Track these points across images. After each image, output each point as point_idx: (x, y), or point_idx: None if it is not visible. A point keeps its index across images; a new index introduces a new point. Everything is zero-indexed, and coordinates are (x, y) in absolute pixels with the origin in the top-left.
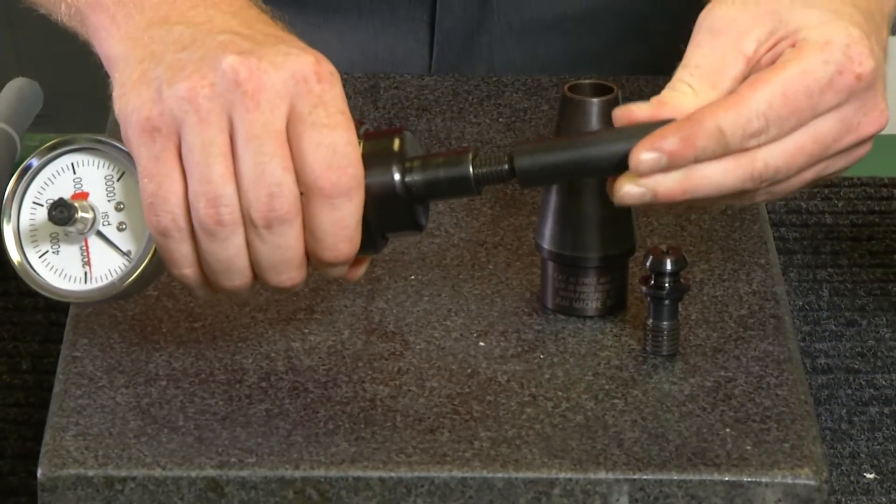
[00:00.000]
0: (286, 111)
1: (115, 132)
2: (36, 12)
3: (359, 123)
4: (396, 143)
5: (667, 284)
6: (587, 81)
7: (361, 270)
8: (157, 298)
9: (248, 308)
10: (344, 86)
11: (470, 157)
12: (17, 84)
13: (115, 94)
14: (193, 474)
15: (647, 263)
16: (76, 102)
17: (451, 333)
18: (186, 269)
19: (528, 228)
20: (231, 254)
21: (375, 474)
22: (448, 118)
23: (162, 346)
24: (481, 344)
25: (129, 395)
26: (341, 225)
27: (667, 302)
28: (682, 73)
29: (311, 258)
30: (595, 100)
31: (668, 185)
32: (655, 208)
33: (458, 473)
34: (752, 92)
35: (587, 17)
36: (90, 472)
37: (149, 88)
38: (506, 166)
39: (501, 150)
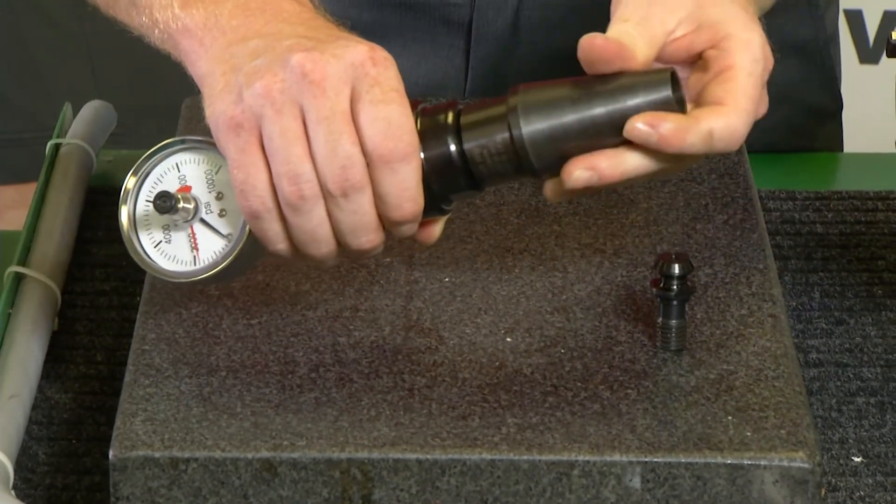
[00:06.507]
0: (349, 94)
1: None
2: (118, 41)
3: (416, 103)
4: (451, 116)
5: (675, 287)
6: None
7: (435, 233)
8: (217, 298)
9: (299, 307)
10: None
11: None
12: (93, 106)
13: (206, 104)
14: (250, 455)
15: (658, 268)
16: (146, 122)
17: (481, 330)
18: (279, 244)
19: (550, 236)
20: (314, 224)
21: (413, 456)
22: None
23: (222, 341)
24: (508, 339)
25: (192, 385)
26: (402, 187)
27: (675, 302)
28: (625, 26)
29: (384, 220)
30: None
31: (610, 170)
32: (579, 193)
33: (487, 456)
34: (735, 102)
35: None
36: (156, 454)
37: (231, 94)
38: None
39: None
